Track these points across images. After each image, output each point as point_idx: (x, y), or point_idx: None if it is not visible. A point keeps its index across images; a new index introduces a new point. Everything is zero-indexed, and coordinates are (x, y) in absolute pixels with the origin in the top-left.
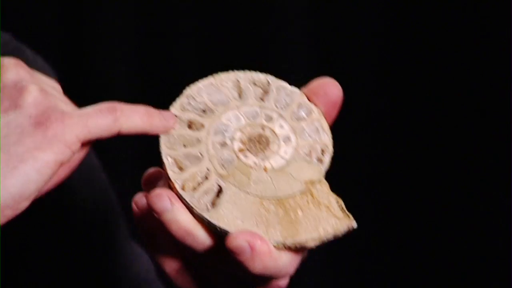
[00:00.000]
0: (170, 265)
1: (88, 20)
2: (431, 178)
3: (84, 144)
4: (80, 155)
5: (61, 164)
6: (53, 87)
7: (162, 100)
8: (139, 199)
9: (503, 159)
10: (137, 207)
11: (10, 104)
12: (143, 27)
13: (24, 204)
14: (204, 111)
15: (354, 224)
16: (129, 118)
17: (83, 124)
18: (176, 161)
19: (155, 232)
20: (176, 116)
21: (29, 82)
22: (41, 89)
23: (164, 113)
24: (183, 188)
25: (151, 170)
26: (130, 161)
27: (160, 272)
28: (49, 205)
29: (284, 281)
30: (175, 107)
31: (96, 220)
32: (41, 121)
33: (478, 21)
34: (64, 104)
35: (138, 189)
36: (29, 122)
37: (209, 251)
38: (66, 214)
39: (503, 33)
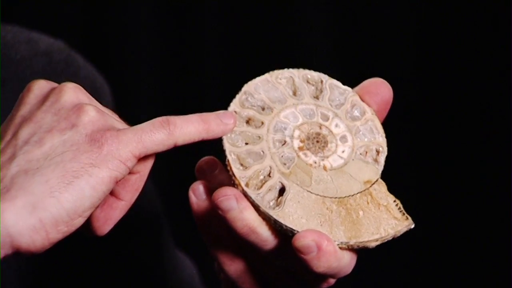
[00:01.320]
0: (229, 262)
1: (111, 14)
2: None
3: (143, 159)
4: (148, 164)
5: (116, 180)
6: (109, 111)
7: (185, 98)
8: (197, 187)
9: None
10: (195, 195)
11: (67, 124)
12: (167, 25)
13: (79, 221)
14: (263, 108)
15: (412, 225)
16: (183, 129)
17: (137, 140)
18: (238, 158)
19: (214, 225)
20: (236, 112)
21: (87, 103)
22: (98, 110)
23: (221, 115)
24: (247, 185)
25: (205, 158)
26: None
27: (204, 277)
28: None
29: (334, 279)
30: (235, 103)
31: (140, 227)
32: (96, 138)
33: (480, 21)
34: (120, 124)
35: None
36: (85, 139)
37: (271, 249)
38: None
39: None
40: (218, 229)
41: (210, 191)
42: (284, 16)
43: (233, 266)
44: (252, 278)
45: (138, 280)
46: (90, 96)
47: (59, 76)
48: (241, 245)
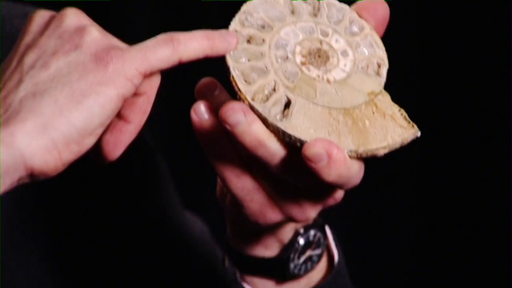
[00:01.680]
0: (235, 179)
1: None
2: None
3: (149, 76)
4: (154, 84)
5: (124, 98)
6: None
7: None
8: (198, 106)
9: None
10: (196, 115)
11: (71, 46)
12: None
13: (90, 140)
14: (262, 26)
15: (418, 133)
16: (187, 45)
17: (142, 56)
18: (243, 74)
19: (218, 143)
20: (236, 31)
21: (89, 25)
22: (100, 30)
23: (224, 33)
24: (253, 100)
25: (204, 80)
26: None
27: (217, 234)
28: (101, 174)
29: (341, 194)
30: (235, 23)
31: (147, 186)
32: (101, 57)
33: (479, 21)
34: (123, 44)
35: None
36: (90, 59)
37: (280, 163)
38: (115, 181)
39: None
40: (223, 146)
41: (211, 109)
42: None
43: (240, 183)
44: (259, 195)
45: (149, 236)
46: (92, 20)
47: None
48: (248, 161)
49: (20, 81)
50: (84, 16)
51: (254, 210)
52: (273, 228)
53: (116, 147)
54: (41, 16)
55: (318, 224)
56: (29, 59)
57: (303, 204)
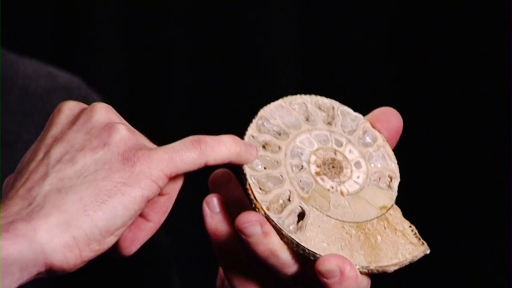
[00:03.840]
0: (239, 278)
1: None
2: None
3: (173, 179)
4: (177, 186)
5: (148, 199)
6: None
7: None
8: (211, 200)
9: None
10: (208, 208)
11: (99, 143)
12: (134, 27)
13: (111, 240)
14: (279, 133)
15: (428, 251)
16: (214, 149)
17: (169, 159)
18: (259, 182)
19: (227, 239)
20: (253, 137)
21: (118, 122)
22: (129, 129)
23: (248, 144)
24: (268, 209)
25: (219, 171)
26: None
27: None
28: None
29: None
30: (252, 128)
31: (147, 269)
32: (129, 157)
33: (478, 21)
34: (150, 143)
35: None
36: (117, 158)
37: (289, 272)
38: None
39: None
40: (232, 243)
41: (224, 203)
42: (252, 27)
43: (244, 282)
44: None
45: None
46: (120, 116)
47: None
48: (255, 262)
49: (46, 175)
50: (113, 112)
51: None
52: None
53: (132, 244)
54: (70, 108)
55: None
56: (56, 152)
57: None
